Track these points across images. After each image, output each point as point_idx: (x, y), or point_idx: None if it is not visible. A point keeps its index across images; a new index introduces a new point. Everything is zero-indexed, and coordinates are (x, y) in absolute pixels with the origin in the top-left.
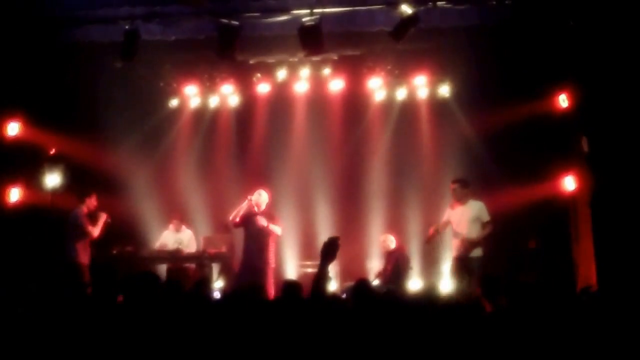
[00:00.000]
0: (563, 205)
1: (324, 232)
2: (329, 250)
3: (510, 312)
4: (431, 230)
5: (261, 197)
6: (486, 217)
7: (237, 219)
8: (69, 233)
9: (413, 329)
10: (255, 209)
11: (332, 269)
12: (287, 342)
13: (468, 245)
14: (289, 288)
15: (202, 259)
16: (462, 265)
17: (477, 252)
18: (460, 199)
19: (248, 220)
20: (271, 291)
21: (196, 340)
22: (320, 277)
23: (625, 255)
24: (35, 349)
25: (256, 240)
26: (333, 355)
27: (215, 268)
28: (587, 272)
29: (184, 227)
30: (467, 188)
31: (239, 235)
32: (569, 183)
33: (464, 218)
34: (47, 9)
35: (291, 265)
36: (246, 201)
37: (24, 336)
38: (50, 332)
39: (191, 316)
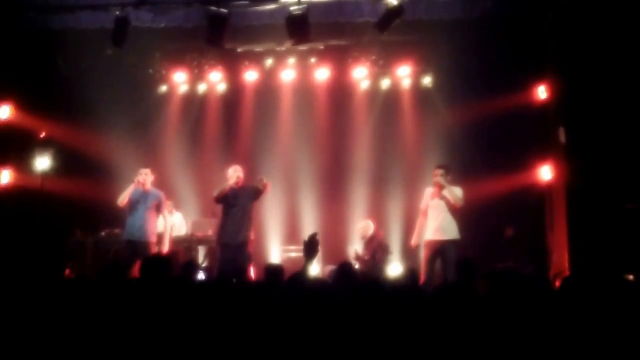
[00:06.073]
0: (539, 194)
1: (308, 217)
2: (311, 247)
3: (488, 296)
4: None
5: (240, 173)
6: (460, 203)
7: (221, 196)
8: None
9: (396, 313)
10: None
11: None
12: (271, 324)
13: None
14: (272, 272)
15: (190, 242)
16: (438, 249)
17: (454, 236)
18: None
19: (230, 197)
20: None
21: (182, 321)
22: (305, 270)
23: (597, 242)
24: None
25: (235, 216)
26: (319, 338)
27: (201, 251)
28: (560, 259)
29: (174, 210)
30: (450, 174)
31: None
32: (545, 173)
33: (442, 203)
34: None
35: (275, 249)
36: (235, 179)
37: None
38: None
39: (178, 298)
